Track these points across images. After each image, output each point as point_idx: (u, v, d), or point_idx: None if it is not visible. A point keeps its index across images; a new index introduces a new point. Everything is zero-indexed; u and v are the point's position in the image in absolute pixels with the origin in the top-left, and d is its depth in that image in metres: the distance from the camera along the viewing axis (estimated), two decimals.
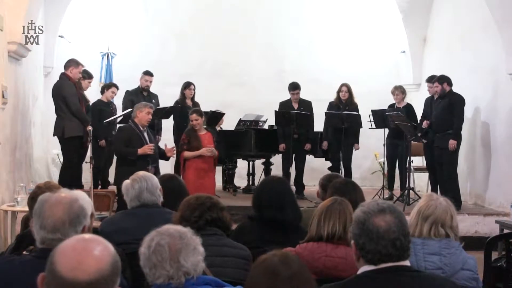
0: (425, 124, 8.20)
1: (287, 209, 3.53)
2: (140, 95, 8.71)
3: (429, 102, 8.32)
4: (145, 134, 6.87)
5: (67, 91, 7.34)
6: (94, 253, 1.52)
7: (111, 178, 8.74)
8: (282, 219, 3.49)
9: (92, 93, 8.81)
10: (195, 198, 3.05)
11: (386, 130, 8.71)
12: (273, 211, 3.50)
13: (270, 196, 3.55)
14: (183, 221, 2.84)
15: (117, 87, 8.74)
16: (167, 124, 8.87)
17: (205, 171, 7.23)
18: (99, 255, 1.52)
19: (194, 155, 7.25)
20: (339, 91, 8.80)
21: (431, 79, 8.34)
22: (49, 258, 1.54)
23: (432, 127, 8.03)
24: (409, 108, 8.73)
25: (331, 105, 8.85)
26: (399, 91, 8.79)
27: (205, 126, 7.63)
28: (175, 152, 7.21)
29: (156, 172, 6.73)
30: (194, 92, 8.96)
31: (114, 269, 1.53)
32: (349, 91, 8.77)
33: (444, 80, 7.84)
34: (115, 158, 8.57)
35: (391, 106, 8.84)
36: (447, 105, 7.81)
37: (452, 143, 7.71)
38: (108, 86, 8.66)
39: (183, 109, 8.57)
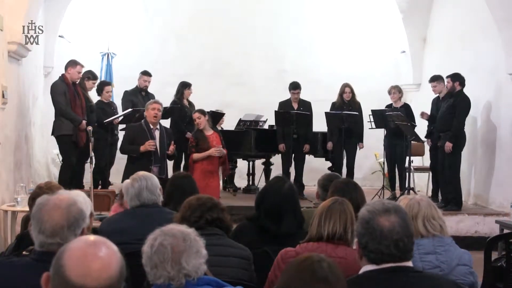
0: (424, 116, 8.19)
1: (284, 222, 3.47)
2: (139, 95, 8.72)
3: (435, 102, 8.31)
4: (156, 133, 6.83)
5: (53, 91, 7.51)
6: (104, 260, 1.53)
7: (112, 178, 8.74)
8: (276, 231, 3.46)
9: (94, 94, 8.80)
10: (196, 198, 3.06)
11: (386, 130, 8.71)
12: (269, 221, 3.48)
13: (271, 205, 3.51)
14: (184, 221, 2.84)
15: (108, 84, 8.74)
16: (167, 125, 8.86)
17: (211, 173, 7.18)
18: (109, 262, 1.53)
19: (203, 156, 7.17)
20: (342, 92, 8.78)
21: (434, 79, 8.30)
22: (55, 260, 1.54)
23: (437, 127, 8.03)
24: (407, 108, 8.72)
25: (334, 106, 8.85)
26: (396, 90, 8.78)
27: (211, 126, 7.58)
28: (174, 149, 7.05)
29: (161, 172, 6.68)
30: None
31: (121, 274, 1.55)
32: (352, 91, 8.78)
33: (456, 78, 7.81)
34: (116, 158, 8.60)
35: (389, 106, 8.84)
36: (451, 105, 7.80)
37: (448, 145, 7.70)
38: (100, 88, 8.58)
39: (182, 109, 8.58)
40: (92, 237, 1.60)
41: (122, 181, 6.81)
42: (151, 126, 6.78)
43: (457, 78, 7.82)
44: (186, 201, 3.06)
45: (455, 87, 7.81)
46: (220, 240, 2.97)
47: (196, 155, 7.21)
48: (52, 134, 7.66)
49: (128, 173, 6.74)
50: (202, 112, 7.42)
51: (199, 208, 2.98)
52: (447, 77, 7.96)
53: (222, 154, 7.25)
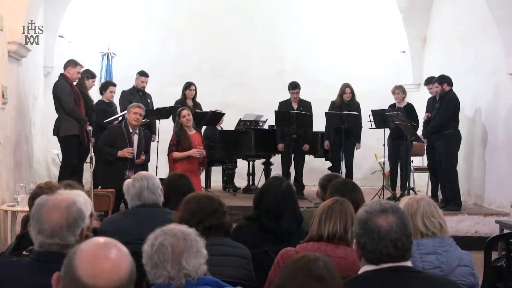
0: (425, 117, 8.23)
1: (283, 220, 3.50)
2: (137, 94, 8.72)
3: (431, 102, 8.33)
4: (135, 137, 6.81)
5: (60, 91, 7.42)
6: (115, 261, 1.55)
7: None
8: (276, 229, 3.49)
9: (94, 94, 8.79)
10: (196, 201, 2.99)
11: (386, 130, 8.71)
12: (269, 219, 3.50)
13: (270, 204, 3.53)
14: (183, 223, 2.82)
15: (114, 85, 8.72)
16: (167, 125, 8.87)
17: (192, 172, 7.05)
18: (120, 263, 1.55)
19: (183, 155, 7.19)
20: (342, 93, 8.77)
21: (429, 81, 8.36)
22: (67, 260, 1.56)
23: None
24: (409, 108, 8.72)
25: (333, 105, 8.84)
26: (400, 90, 8.79)
27: (194, 126, 7.59)
28: (143, 159, 6.99)
29: None
30: (195, 93, 8.95)
31: (131, 277, 1.57)
32: (352, 91, 8.78)
33: (444, 80, 7.84)
34: None
35: (392, 106, 8.84)
36: (441, 106, 7.84)
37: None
38: (105, 87, 8.58)
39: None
40: (103, 239, 1.62)
41: (95, 185, 6.67)
42: (130, 130, 6.76)
43: (443, 79, 7.84)
44: (186, 202, 3.01)
45: (444, 89, 7.82)
46: (219, 239, 2.96)
47: (176, 154, 7.21)
48: (56, 134, 7.52)
49: (101, 176, 6.72)
50: (190, 110, 7.48)
51: (198, 213, 2.92)
52: (433, 82, 7.99)
53: (202, 155, 7.27)
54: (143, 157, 6.91)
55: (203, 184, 8.68)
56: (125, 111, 7.98)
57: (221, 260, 2.86)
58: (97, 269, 1.51)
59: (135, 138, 6.82)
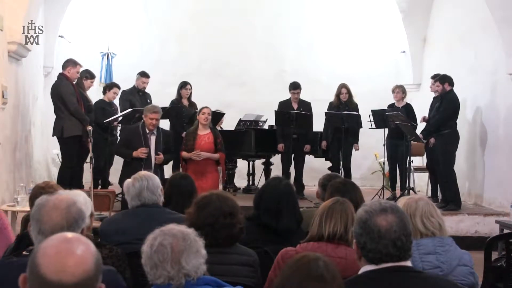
0: (421, 119, 8.25)
1: (283, 218, 3.52)
2: (137, 95, 8.72)
3: (433, 103, 8.34)
4: (152, 138, 6.84)
5: (64, 90, 7.36)
6: (78, 254, 1.52)
7: (111, 178, 8.75)
8: (276, 227, 3.50)
9: (93, 93, 8.80)
10: (204, 215, 2.83)
11: (386, 130, 8.71)
12: (269, 217, 3.52)
13: (269, 202, 3.56)
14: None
15: (118, 87, 8.73)
16: (165, 125, 8.87)
17: (201, 173, 7.04)
18: (83, 256, 1.53)
19: (187, 156, 7.20)
20: (339, 93, 8.78)
21: (435, 77, 8.34)
22: (30, 259, 1.54)
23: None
24: (408, 108, 8.72)
25: (331, 106, 8.85)
26: (400, 89, 8.78)
27: (210, 125, 7.52)
28: (161, 159, 6.95)
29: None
30: (191, 92, 8.92)
31: (97, 268, 1.54)
32: (349, 91, 8.78)
33: (445, 80, 7.84)
34: (115, 158, 8.59)
35: (391, 106, 8.84)
36: (441, 105, 7.84)
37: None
38: (110, 86, 8.65)
39: (179, 110, 8.57)
40: (65, 234, 1.60)
41: (119, 183, 6.83)
42: (147, 131, 6.78)
43: (445, 79, 7.84)
44: (194, 216, 2.86)
45: (445, 88, 7.83)
46: (226, 248, 2.85)
47: (183, 154, 7.24)
48: (59, 135, 7.43)
49: (123, 175, 6.76)
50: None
51: (205, 227, 2.74)
52: (436, 81, 7.98)
53: (201, 158, 7.11)
54: (159, 156, 6.88)
55: None
56: (127, 111, 8.04)
57: (227, 269, 2.76)
58: (61, 265, 1.49)
59: (152, 138, 6.83)
